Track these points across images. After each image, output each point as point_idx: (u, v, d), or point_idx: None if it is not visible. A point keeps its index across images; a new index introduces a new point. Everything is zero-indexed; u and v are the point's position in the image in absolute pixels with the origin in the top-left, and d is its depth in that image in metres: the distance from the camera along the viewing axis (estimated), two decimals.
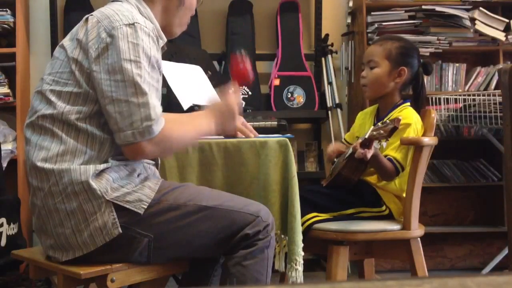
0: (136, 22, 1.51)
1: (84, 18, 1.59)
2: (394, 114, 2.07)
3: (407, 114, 2.04)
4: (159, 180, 1.60)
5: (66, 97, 1.52)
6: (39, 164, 1.51)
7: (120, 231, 1.49)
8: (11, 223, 2.60)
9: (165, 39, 1.67)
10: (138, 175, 1.56)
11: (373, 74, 2.10)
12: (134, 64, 1.47)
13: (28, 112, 1.61)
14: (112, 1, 1.65)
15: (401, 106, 2.09)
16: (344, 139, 2.31)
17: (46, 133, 1.53)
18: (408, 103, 2.11)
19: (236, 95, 1.71)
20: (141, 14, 1.60)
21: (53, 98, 1.53)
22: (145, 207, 1.51)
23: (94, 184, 1.47)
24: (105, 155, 1.52)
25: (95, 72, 1.49)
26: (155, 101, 1.49)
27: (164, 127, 1.50)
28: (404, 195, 2.04)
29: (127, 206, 1.50)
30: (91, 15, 1.57)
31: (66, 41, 1.60)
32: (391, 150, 2.00)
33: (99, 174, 1.49)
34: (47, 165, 1.50)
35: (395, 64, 2.09)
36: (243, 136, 1.91)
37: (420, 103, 2.14)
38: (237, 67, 1.79)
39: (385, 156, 2.00)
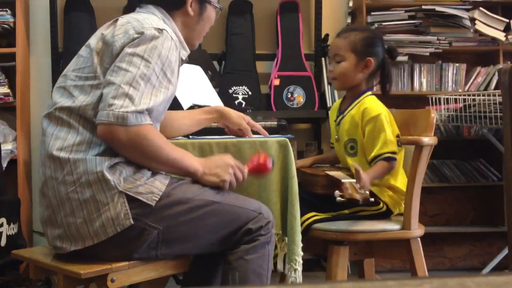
0: (165, 30, 1.57)
1: (112, 20, 1.64)
2: (357, 105, 2.08)
3: (372, 105, 2.04)
4: (168, 175, 1.64)
5: (87, 90, 1.57)
6: (55, 153, 1.53)
7: (132, 222, 1.52)
8: (11, 223, 2.60)
9: (188, 51, 1.73)
10: (149, 169, 1.59)
11: (340, 68, 2.11)
12: (144, 62, 1.51)
13: (48, 106, 1.65)
14: (138, 11, 1.71)
15: (362, 96, 2.10)
16: (331, 142, 2.31)
17: (63, 124, 1.57)
18: (369, 92, 2.13)
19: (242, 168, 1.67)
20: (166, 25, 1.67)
21: (75, 92, 1.58)
22: (157, 199, 1.54)
23: (108, 175, 1.50)
24: None
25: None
26: (144, 105, 1.48)
27: (145, 126, 1.49)
28: (393, 182, 2.04)
29: (139, 198, 1.53)
30: (121, 17, 1.63)
31: (91, 40, 1.65)
32: (380, 149, 1.98)
33: (113, 166, 1.53)
34: (63, 154, 1.53)
35: (360, 56, 2.09)
36: (246, 137, 1.92)
37: (388, 90, 2.17)
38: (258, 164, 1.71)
39: (374, 157, 1.99)
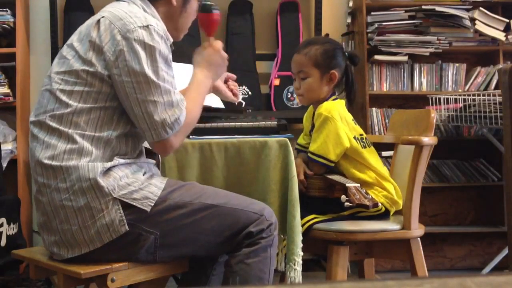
0: (150, 24, 1.54)
1: (95, 20, 1.58)
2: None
3: (325, 108, 2.05)
4: (165, 179, 1.63)
5: (77, 96, 1.53)
6: (46, 161, 1.52)
7: (127, 228, 1.51)
8: (11, 223, 2.60)
9: (171, 39, 1.69)
10: (144, 174, 1.58)
11: (306, 85, 2.11)
12: (153, 66, 1.51)
13: (35, 109, 1.61)
14: (117, 1, 1.66)
15: (327, 101, 2.11)
16: (297, 143, 2.30)
17: (54, 132, 1.54)
18: (334, 96, 2.13)
19: (215, 43, 1.81)
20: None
21: (63, 97, 1.54)
22: (152, 204, 1.53)
23: (102, 181, 1.49)
24: (111, 154, 1.54)
25: (116, 75, 1.52)
26: (177, 96, 1.56)
27: (186, 112, 1.57)
28: (377, 177, 2.04)
29: (134, 204, 1.51)
30: (102, 17, 1.57)
31: (75, 42, 1.60)
32: (311, 146, 2.05)
33: (106, 172, 1.51)
34: (54, 163, 1.51)
35: (324, 70, 2.10)
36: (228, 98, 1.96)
37: (353, 97, 2.18)
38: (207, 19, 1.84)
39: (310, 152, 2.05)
